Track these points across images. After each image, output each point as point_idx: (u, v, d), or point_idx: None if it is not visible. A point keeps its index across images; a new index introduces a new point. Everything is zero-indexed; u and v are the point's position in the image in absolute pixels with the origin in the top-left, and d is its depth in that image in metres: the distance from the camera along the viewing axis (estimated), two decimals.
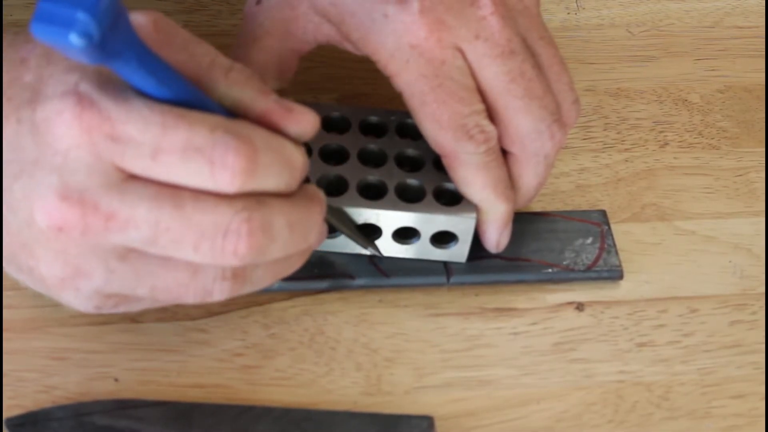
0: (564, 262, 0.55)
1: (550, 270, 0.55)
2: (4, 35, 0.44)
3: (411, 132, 0.55)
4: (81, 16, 0.34)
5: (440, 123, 0.50)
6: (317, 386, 0.51)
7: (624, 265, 0.56)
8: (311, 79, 0.63)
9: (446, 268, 0.54)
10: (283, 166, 0.43)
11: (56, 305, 0.50)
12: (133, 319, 0.52)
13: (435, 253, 0.54)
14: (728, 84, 0.67)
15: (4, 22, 0.63)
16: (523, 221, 0.56)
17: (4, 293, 0.51)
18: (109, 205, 0.40)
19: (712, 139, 0.64)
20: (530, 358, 0.53)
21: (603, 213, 0.58)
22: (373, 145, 0.55)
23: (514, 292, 0.55)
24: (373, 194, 0.53)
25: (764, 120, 0.65)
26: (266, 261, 0.44)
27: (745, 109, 0.66)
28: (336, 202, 0.52)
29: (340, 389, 0.51)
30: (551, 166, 0.53)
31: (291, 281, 0.53)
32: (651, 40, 0.69)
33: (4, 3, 0.63)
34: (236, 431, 0.48)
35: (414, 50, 0.49)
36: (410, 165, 0.55)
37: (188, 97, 0.41)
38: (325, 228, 0.48)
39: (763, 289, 0.57)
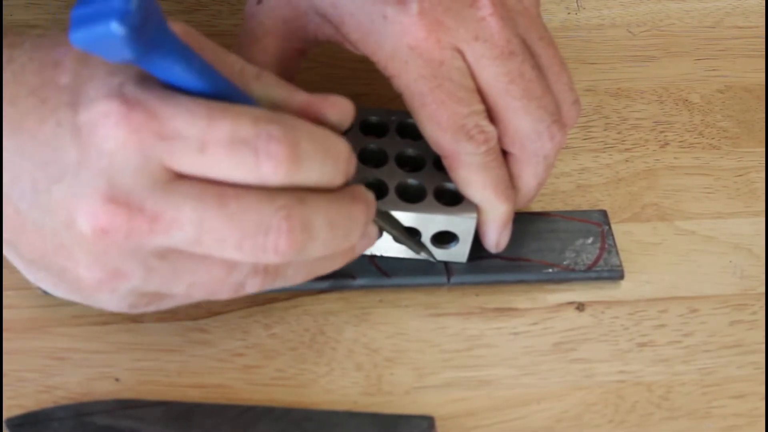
0: (564, 262, 0.55)
1: (550, 270, 0.55)
2: (21, 36, 0.44)
3: (411, 132, 0.55)
4: (118, 4, 0.35)
5: (440, 124, 0.50)
6: (318, 386, 0.51)
7: (624, 265, 0.56)
8: (311, 79, 0.63)
9: (447, 268, 0.54)
10: (327, 156, 0.43)
11: (57, 305, 0.50)
12: (134, 319, 0.52)
13: (436, 253, 0.54)
14: (728, 84, 0.67)
15: (4, 22, 0.63)
16: (523, 221, 0.56)
17: (4, 293, 0.51)
18: (155, 206, 0.40)
19: (713, 139, 0.64)
20: (530, 358, 0.53)
21: (603, 213, 0.58)
22: (373, 145, 0.55)
23: (515, 292, 0.55)
24: (374, 194, 0.53)
25: (764, 120, 0.65)
26: (306, 259, 0.44)
27: (745, 109, 0.66)
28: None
29: (340, 389, 0.51)
30: (551, 167, 0.53)
31: None
32: (651, 40, 0.69)
33: (4, 3, 0.63)
34: (237, 431, 0.48)
35: (413, 51, 0.49)
36: (411, 165, 0.55)
37: (227, 90, 0.41)
38: (374, 230, 0.47)
39: (763, 289, 0.57)
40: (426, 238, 0.53)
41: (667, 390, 0.52)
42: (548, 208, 0.59)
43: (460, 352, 0.53)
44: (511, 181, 0.53)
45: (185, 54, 0.40)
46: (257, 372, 0.51)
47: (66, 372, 0.50)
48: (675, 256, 0.58)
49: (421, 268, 0.54)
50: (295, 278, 0.46)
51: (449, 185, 0.53)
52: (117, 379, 0.50)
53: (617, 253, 0.56)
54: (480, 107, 0.50)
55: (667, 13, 0.71)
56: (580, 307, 0.55)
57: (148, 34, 0.37)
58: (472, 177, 0.51)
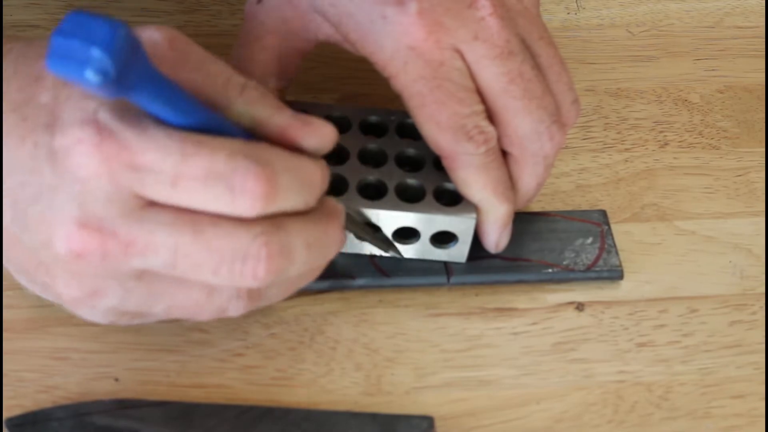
0: (564, 262, 0.55)
1: (550, 270, 0.55)
2: (9, 42, 0.44)
3: (411, 132, 0.55)
4: (96, 53, 0.34)
5: (439, 124, 0.50)
6: (317, 386, 0.51)
7: (624, 265, 0.56)
8: (311, 79, 0.63)
9: (446, 268, 0.54)
10: (302, 186, 0.43)
11: (57, 305, 0.50)
12: None
13: (435, 253, 0.54)
14: (728, 84, 0.67)
15: (4, 22, 0.63)
16: (523, 221, 0.56)
17: (4, 293, 0.51)
18: (128, 232, 0.40)
19: (712, 139, 0.64)
20: (530, 358, 0.53)
21: (603, 213, 0.58)
22: (373, 145, 0.55)
23: (515, 292, 0.55)
24: (373, 194, 0.53)
25: (764, 120, 0.65)
26: (286, 279, 0.45)
27: (745, 109, 0.66)
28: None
29: (340, 389, 0.51)
30: (551, 167, 0.53)
31: None
32: (651, 40, 0.69)
33: (4, 3, 0.63)
34: (236, 431, 0.48)
35: (412, 52, 0.49)
36: (410, 165, 0.55)
37: (206, 122, 0.41)
38: (345, 237, 0.47)
39: (763, 289, 0.57)
40: (425, 238, 0.53)
41: (666, 390, 0.52)
42: (548, 208, 0.59)
43: (460, 352, 0.53)
44: (510, 182, 0.53)
45: (164, 91, 0.39)
46: (257, 372, 0.51)
47: (66, 372, 0.50)
48: (675, 256, 0.58)
49: (421, 269, 0.54)
50: (277, 297, 0.46)
51: (449, 185, 0.53)
52: (117, 379, 0.50)
53: (617, 253, 0.56)
54: (480, 107, 0.50)
55: (667, 13, 0.71)
56: (580, 307, 0.55)
57: (126, 78, 0.36)
58: (472, 177, 0.51)
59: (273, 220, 0.42)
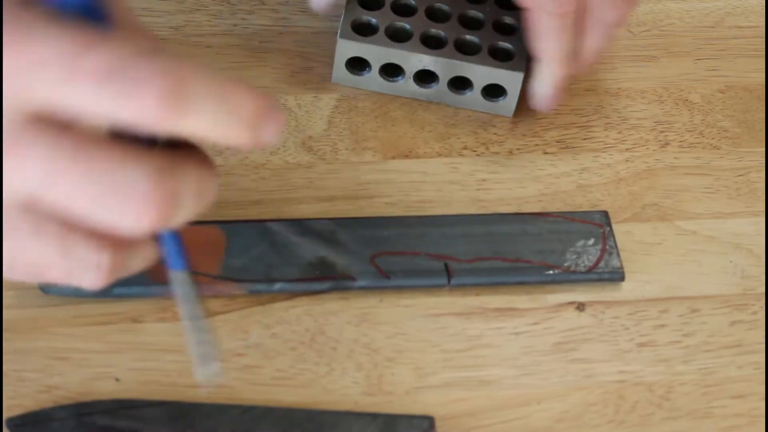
0: (565, 264, 0.55)
1: (551, 272, 0.55)
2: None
3: None
4: None
5: None
6: (318, 386, 0.51)
7: (625, 265, 0.56)
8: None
9: (447, 269, 0.54)
10: (223, 103, 0.35)
11: (57, 305, 0.50)
12: (135, 319, 0.52)
13: (485, 105, 0.61)
14: (729, 84, 0.67)
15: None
16: (524, 222, 0.56)
17: (4, 293, 0.51)
18: (8, 139, 0.35)
19: (713, 139, 0.64)
20: (531, 358, 0.53)
21: (605, 214, 0.58)
22: (439, 4, 0.63)
23: (515, 292, 0.55)
24: (435, 45, 0.61)
25: (765, 120, 0.65)
26: (148, 248, 0.40)
27: (745, 109, 0.66)
28: (400, 47, 0.60)
29: (341, 389, 0.51)
30: (612, 38, 0.59)
31: (292, 282, 0.53)
32: (652, 39, 0.69)
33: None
34: (237, 431, 0.48)
35: None
36: (471, 25, 0.62)
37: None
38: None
39: (763, 289, 0.57)
40: (477, 90, 0.61)
41: (667, 390, 0.52)
42: (548, 208, 0.59)
43: (460, 352, 0.53)
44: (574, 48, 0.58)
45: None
46: (258, 372, 0.51)
47: (66, 372, 0.50)
48: (675, 256, 0.58)
49: (421, 270, 0.54)
50: (137, 267, 0.40)
51: (504, 44, 0.61)
52: (117, 379, 0.50)
53: (618, 254, 0.56)
54: None
55: (668, 13, 0.71)
56: (581, 307, 0.55)
57: None
58: (546, 36, 0.57)
59: (171, 160, 0.36)
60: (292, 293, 0.53)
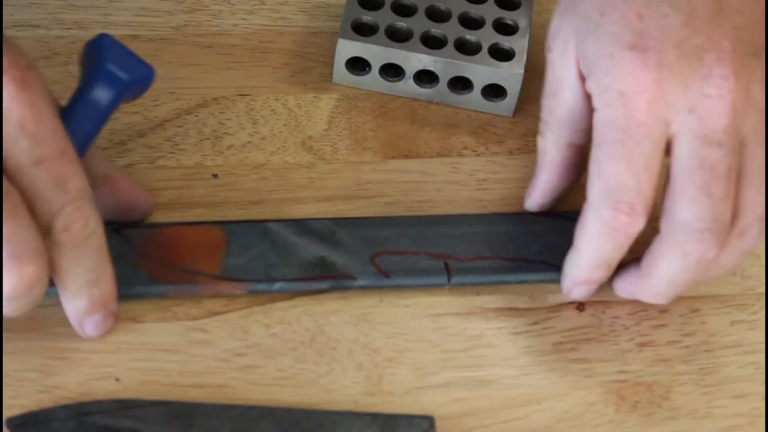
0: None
1: (551, 271, 0.55)
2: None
3: None
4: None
5: (600, 173, 0.49)
6: (318, 386, 0.51)
7: (625, 264, 0.56)
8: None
9: (447, 268, 0.54)
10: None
11: (57, 305, 0.50)
12: (134, 319, 0.52)
13: (486, 105, 0.61)
14: None
15: (4, 21, 0.63)
16: (524, 221, 0.56)
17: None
18: None
19: None
20: (531, 358, 0.53)
21: None
22: (440, 4, 0.63)
23: (515, 292, 0.55)
24: (435, 45, 0.61)
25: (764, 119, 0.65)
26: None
27: None
28: (400, 47, 0.60)
29: (341, 389, 0.51)
30: (690, 273, 0.50)
31: (292, 282, 0.53)
32: None
33: (4, 3, 0.63)
34: (237, 431, 0.48)
35: (621, 98, 0.48)
36: (472, 24, 0.62)
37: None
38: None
39: (763, 289, 0.57)
40: (477, 90, 0.61)
41: (667, 390, 0.52)
42: None
43: (460, 352, 0.53)
44: (617, 260, 0.52)
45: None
46: (258, 372, 0.51)
47: (66, 372, 0.50)
48: None
49: (421, 269, 0.54)
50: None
51: (504, 45, 0.61)
52: (117, 379, 0.50)
53: None
54: (647, 188, 0.48)
55: None
56: (581, 307, 0.55)
57: None
58: (588, 235, 0.51)
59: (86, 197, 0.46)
60: (292, 293, 0.53)
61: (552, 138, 0.54)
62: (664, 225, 0.50)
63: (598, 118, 0.49)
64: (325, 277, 0.53)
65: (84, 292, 0.48)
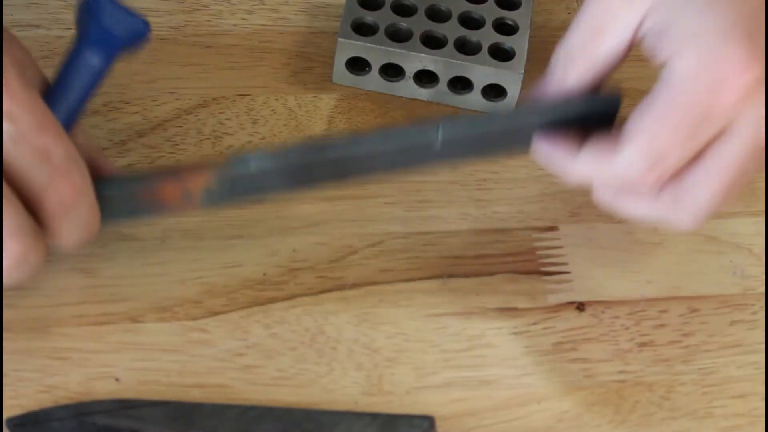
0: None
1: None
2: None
3: None
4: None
5: (651, 137, 0.48)
6: (318, 386, 0.51)
7: (625, 264, 0.56)
8: None
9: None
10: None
11: (57, 305, 0.50)
12: (134, 319, 0.52)
13: (485, 105, 0.61)
14: None
15: (4, 21, 0.63)
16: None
17: (4, 293, 0.51)
18: None
19: None
20: (531, 358, 0.53)
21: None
22: (440, 4, 0.63)
23: (515, 292, 0.55)
24: (435, 45, 0.61)
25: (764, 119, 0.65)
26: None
27: None
28: (400, 47, 0.60)
29: (341, 389, 0.51)
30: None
31: None
32: None
33: (4, 3, 0.63)
34: (237, 431, 0.48)
35: (716, 83, 0.47)
36: (472, 24, 0.62)
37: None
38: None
39: (763, 289, 0.57)
40: (478, 90, 0.61)
41: (667, 390, 0.52)
42: (549, 207, 0.59)
43: (460, 352, 0.53)
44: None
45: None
46: (258, 372, 0.51)
47: (66, 372, 0.50)
48: (675, 255, 0.58)
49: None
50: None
51: (505, 45, 0.61)
52: (117, 379, 0.50)
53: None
54: (684, 160, 0.48)
55: None
56: (581, 307, 0.55)
57: None
58: (604, 166, 0.49)
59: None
60: (291, 293, 0.53)
61: (575, 73, 0.51)
62: (670, 188, 0.49)
63: (675, 85, 0.48)
64: None
65: (75, 239, 0.48)
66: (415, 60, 0.61)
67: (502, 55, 0.61)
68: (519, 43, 0.62)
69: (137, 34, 0.49)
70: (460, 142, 0.51)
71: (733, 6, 0.48)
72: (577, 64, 0.51)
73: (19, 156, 0.44)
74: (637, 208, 0.51)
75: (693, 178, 0.49)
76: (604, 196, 0.52)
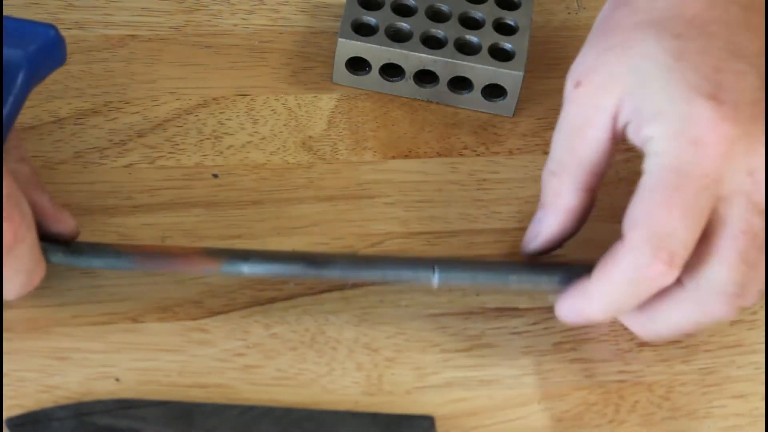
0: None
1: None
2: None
3: None
4: None
5: (648, 220, 0.47)
6: (318, 386, 0.51)
7: None
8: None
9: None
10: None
11: (57, 305, 0.50)
12: (134, 319, 0.52)
13: (485, 105, 0.61)
14: None
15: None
16: None
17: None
18: None
19: None
20: (531, 358, 0.53)
21: None
22: (440, 4, 0.63)
23: (516, 292, 0.55)
24: (435, 45, 0.61)
25: (764, 119, 0.65)
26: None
27: None
28: (400, 47, 0.60)
29: (341, 389, 0.51)
30: (701, 327, 0.50)
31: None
32: None
33: (4, 3, 0.63)
34: (237, 431, 0.48)
35: (693, 146, 0.46)
36: (472, 25, 0.62)
37: None
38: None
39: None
40: (477, 90, 0.61)
41: (667, 390, 0.52)
42: None
43: (460, 352, 0.53)
44: (633, 308, 0.50)
45: None
46: (258, 372, 0.51)
47: (66, 372, 0.50)
48: None
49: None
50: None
51: (505, 45, 0.61)
52: (117, 379, 0.50)
53: None
54: (692, 240, 0.47)
55: None
56: None
57: None
58: (615, 279, 0.48)
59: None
60: (291, 293, 0.53)
61: (569, 181, 0.51)
62: (690, 280, 0.48)
63: (657, 164, 0.47)
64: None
65: (17, 285, 0.48)
66: (414, 60, 0.61)
67: (502, 55, 0.61)
68: (519, 43, 0.62)
69: (46, 44, 0.48)
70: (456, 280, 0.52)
71: (696, 63, 0.48)
72: (563, 179, 0.51)
73: None
74: (671, 315, 0.49)
75: (706, 258, 0.48)
76: (637, 321, 0.51)
